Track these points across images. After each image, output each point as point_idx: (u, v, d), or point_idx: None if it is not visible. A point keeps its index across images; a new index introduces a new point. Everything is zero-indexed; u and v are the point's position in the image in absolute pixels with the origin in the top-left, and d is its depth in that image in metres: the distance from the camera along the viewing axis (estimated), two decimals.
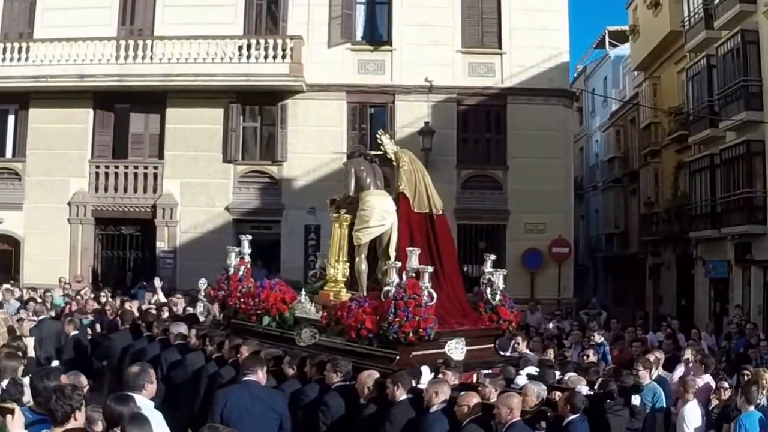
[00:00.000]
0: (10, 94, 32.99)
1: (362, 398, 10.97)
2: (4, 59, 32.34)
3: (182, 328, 15.00)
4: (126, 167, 33.27)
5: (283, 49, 31.88)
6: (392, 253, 13.70)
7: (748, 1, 29.67)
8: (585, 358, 16.29)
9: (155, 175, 33.16)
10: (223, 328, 15.49)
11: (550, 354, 17.49)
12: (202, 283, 18.59)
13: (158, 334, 15.48)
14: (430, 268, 12.70)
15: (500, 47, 33.18)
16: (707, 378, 15.28)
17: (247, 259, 16.12)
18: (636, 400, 12.73)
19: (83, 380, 9.45)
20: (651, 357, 15.69)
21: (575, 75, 53.34)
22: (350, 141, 32.72)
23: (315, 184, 31.54)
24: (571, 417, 10.37)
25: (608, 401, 11.76)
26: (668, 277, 39.76)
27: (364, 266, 14.15)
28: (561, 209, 33.40)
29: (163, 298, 23.01)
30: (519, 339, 18.03)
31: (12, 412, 7.05)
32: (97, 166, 33.23)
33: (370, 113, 33.56)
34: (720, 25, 31.59)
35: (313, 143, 32.15)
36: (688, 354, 16.94)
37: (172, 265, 31.94)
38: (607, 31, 55.89)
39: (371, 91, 33.08)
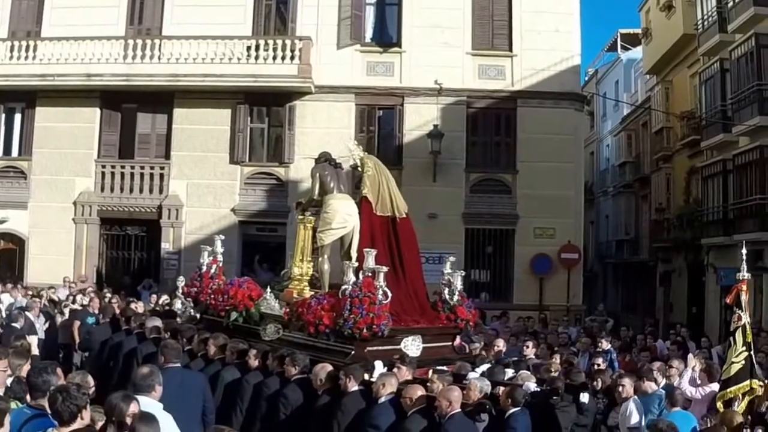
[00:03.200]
0: (17, 93, 32.99)
1: (318, 389, 11.70)
2: (11, 57, 32.26)
3: (157, 323, 15.63)
4: (132, 167, 33.14)
5: (292, 50, 31.71)
6: (354, 254, 14.41)
7: (763, 5, 29.34)
8: (595, 366, 16.05)
9: (161, 176, 33.01)
10: (196, 323, 16.32)
11: (557, 360, 17.30)
12: (180, 281, 19.43)
13: (135, 328, 16.08)
14: (385, 268, 13.30)
15: (511, 49, 32.90)
16: (714, 386, 15.02)
17: (220, 258, 17.05)
18: (584, 397, 12.93)
19: (90, 380, 9.42)
20: (673, 365, 15.58)
21: (586, 78, 53.15)
22: (358, 143, 32.44)
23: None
24: (513, 410, 10.91)
25: (555, 398, 12.17)
26: (679, 284, 39.41)
27: (326, 266, 14.96)
28: (571, 214, 33.03)
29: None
30: (529, 344, 18.33)
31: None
32: (104, 166, 33.10)
33: (378, 115, 33.38)
34: (734, 28, 31.24)
35: (321, 145, 31.51)
36: (694, 362, 16.65)
37: (176, 267, 31.71)
38: (619, 34, 55.59)
39: (380, 93, 32.85)
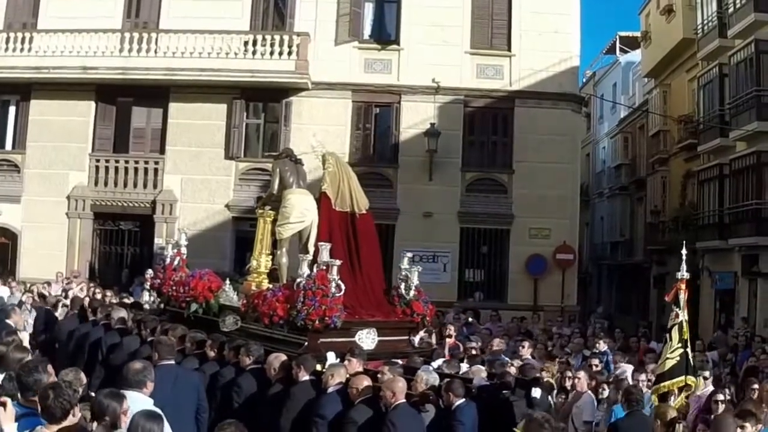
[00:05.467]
0: (12, 85, 32.76)
1: (271, 379, 11.99)
2: (6, 49, 32.13)
3: (123, 314, 16.00)
4: (126, 162, 33.00)
5: (290, 46, 31.63)
6: (311, 248, 14.67)
7: (763, 11, 29.34)
8: (592, 367, 16.00)
9: (156, 171, 32.88)
10: (160, 315, 16.55)
11: (555, 361, 17.54)
12: (149, 274, 19.67)
13: (101, 319, 16.27)
14: (338, 262, 13.58)
15: (509, 49, 32.78)
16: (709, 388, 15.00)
17: (184, 250, 17.25)
18: (536, 392, 13.01)
19: (82, 377, 9.35)
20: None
21: (584, 80, 53.00)
22: (354, 140, 32.54)
23: (317, 183, 31.06)
24: (458, 402, 11.12)
25: (505, 391, 12.33)
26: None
27: (284, 259, 15.41)
28: (566, 215, 32.98)
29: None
30: (525, 344, 18.33)
31: (4, 405, 6.99)
32: (98, 160, 32.94)
33: (375, 113, 33.26)
34: (734, 34, 31.30)
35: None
36: None
37: None
38: (618, 37, 55.52)
39: (377, 91, 32.74)
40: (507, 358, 16.53)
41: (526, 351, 17.84)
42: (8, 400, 7.14)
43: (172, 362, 11.53)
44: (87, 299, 20.70)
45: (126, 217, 33.14)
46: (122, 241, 33.18)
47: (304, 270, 13.57)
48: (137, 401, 8.46)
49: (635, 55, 49.83)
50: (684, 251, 12.26)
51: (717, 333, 29.02)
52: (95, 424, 7.60)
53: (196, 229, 31.86)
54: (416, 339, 19.43)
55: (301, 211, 15.12)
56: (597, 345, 20.12)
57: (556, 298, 32.15)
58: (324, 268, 13.46)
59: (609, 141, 52.77)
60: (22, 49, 32.01)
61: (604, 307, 45.23)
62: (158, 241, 32.03)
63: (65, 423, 7.09)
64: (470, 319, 26.25)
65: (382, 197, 31.50)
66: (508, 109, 32.85)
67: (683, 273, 11.88)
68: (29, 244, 32.50)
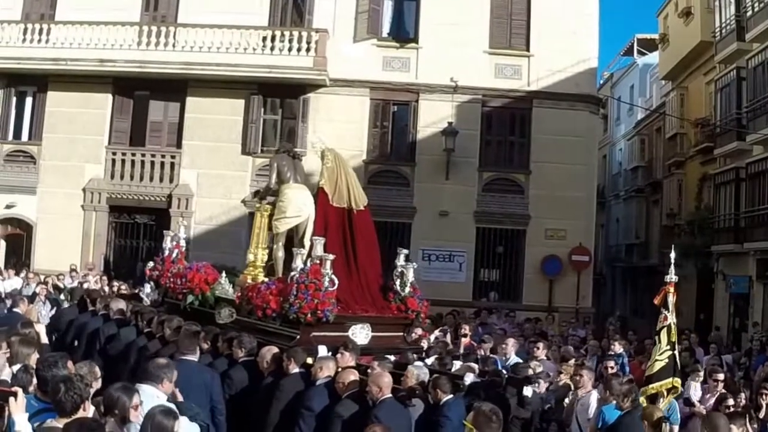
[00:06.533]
0: (29, 76, 32.91)
1: (264, 371, 12.13)
2: (24, 40, 32.19)
3: (121, 305, 16.17)
4: (143, 155, 33.04)
5: (308, 42, 31.60)
6: (307, 243, 14.91)
7: None
8: (608, 369, 15.91)
9: (172, 165, 32.91)
10: (158, 306, 16.80)
11: (570, 362, 17.43)
12: (149, 266, 19.54)
13: (100, 310, 16.49)
14: (332, 256, 13.75)
15: (528, 49, 32.74)
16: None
17: (182, 243, 17.85)
18: (527, 391, 13.43)
19: (97, 370, 9.26)
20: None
21: (601, 82, 52.84)
22: (372, 138, 32.50)
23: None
24: (446, 398, 11.15)
25: (496, 389, 12.67)
26: (688, 290, 39.07)
27: (281, 253, 15.58)
28: (582, 217, 32.83)
29: None
30: (539, 345, 18.28)
31: (15, 395, 7.07)
32: (114, 153, 32.96)
33: (393, 111, 33.23)
34: (752, 37, 31.21)
35: (334, 139, 31.26)
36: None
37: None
38: (635, 39, 55.37)
39: (395, 89, 32.72)
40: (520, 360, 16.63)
41: (540, 352, 17.87)
42: (20, 390, 7.20)
43: (193, 359, 11.55)
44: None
45: (141, 210, 33.08)
46: (137, 234, 33.11)
47: (298, 264, 13.76)
48: (151, 396, 8.52)
49: (653, 58, 49.66)
50: (673, 254, 12.26)
51: (713, 333, 29.05)
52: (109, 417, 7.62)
53: (212, 223, 31.92)
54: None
55: (297, 206, 15.41)
56: (612, 347, 20.08)
57: (571, 299, 32.07)
58: (317, 262, 13.62)
59: (626, 143, 52.68)
60: (39, 41, 32.05)
61: (617, 309, 45.07)
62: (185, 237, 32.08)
63: (76, 416, 7.07)
64: (490, 317, 26.50)
65: (398, 195, 31.60)
66: (526, 110, 32.79)
67: (672, 276, 11.88)
68: (44, 236, 32.52)
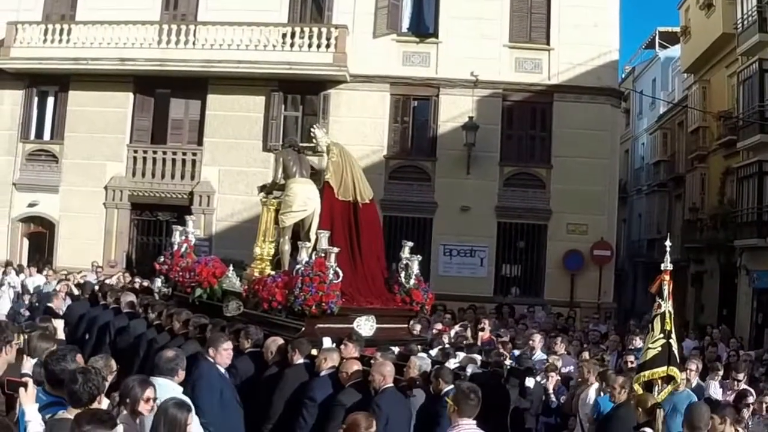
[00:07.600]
0: (51, 76, 33.09)
1: (269, 362, 12.28)
2: (45, 41, 32.39)
3: (131, 298, 16.31)
4: (164, 153, 33.17)
5: (327, 38, 31.60)
6: (313, 236, 14.85)
7: None
8: (628, 363, 15.84)
9: (193, 162, 33.03)
10: (167, 299, 16.80)
11: (586, 356, 17.60)
12: (159, 260, 19.79)
13: (111, 303, 16.59)
14: (336, 249, 13.86)
15: (548, 43, 32.61)
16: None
17: (191, 237, 18.04)
18: (530, 382, 13.83)
19: (113, 363, 9.38)
20: (691, 367, 15.34)
21: (623, 76, 52.65)
22: (392, 134, 32.50)
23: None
24: (447, 388, 11.02)
25: (498, 380, 12.87)
26: (710, 285, 38.96)
27: (287, 247, 15.53)
28: (604, 211, 32.74)
29: None
30: (558, 340, 18.44)
31: (25, 385, 7.16)
32: (135, 151, 33.10)
33: (413, 106, 33.17)
34: None
35: (355, 135, 31.50)
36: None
37: (207, 254, 31.50)
38: (657, 32, 55.18)
39: (415, 84, 32.65)
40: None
41: (559, 347, 17.98)
42: (30, 380, 7.34)
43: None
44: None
45: (163, 207, 33.23)
46: (159, 231, 33.07)
47: (303, 257, 13.90)
48: (167, 389, 8.57)
49: (675, 51, 49.42)
50: (668, 243, 12.05)
51: (721, 327, 28.81)
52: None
53: (233, 220, 31.98)
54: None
55: (303, 200, 15.37)
56: (633, 342, 20.00)
57: (593, 294, 31.97)
58: (322, 255, 13.74)
59: (648, 137, 52.39)
60: (60, 41, 32.21)
61: (638, 305, 44.82)
62: (195, 232, 32.10)
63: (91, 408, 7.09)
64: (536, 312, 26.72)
65: (419, 191, 31.60)
66: (547, 104, 32.66)
67: (667, 264, 11.67)
68: (66, 234, 32.72)
